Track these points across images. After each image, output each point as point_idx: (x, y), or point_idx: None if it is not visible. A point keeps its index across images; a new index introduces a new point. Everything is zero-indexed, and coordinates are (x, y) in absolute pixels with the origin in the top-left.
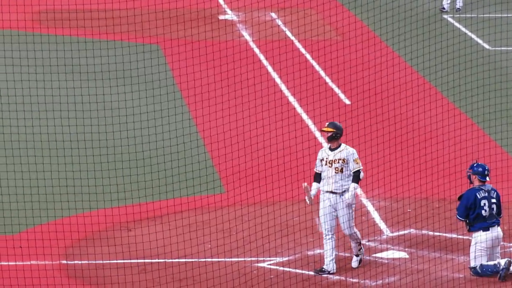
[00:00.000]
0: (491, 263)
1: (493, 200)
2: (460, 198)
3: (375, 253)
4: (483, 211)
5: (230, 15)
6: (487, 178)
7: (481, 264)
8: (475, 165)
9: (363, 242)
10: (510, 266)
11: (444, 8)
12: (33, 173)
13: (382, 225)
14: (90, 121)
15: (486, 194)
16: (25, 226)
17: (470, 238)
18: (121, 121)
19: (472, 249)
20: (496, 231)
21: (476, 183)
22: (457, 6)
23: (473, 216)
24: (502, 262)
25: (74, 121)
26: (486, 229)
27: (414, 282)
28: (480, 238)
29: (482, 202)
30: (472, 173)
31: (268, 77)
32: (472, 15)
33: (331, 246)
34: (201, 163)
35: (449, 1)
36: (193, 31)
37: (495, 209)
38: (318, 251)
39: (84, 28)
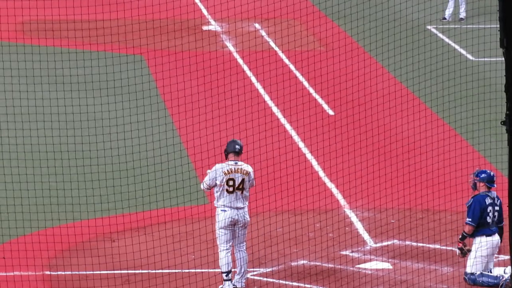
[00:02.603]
0: (492, 274)
1: (497, 208)
2: (468, 204)
3: (359, 264)
4: (488, 218)
5: (214, 26)
6: (494, 185)
7: (481, 273)
8: (479, 172)
9: (346, 253)
10: None
11: (445, 18)
12: (16, 184)
13: (365, 235)
14: (73, 131)
15: (492, 201)
16: (8, 236)
17: (454, 249)
18: (104, 132)
19: (473, 254)
20: (497, 239)
21: (482, 189)
22: (461, 16)
23: (480, 222)
24: (502, 272)
25: (57, 132)
26: (488, 235)
27: None
28: (486, 244)
29: (489, 208)
30: (478, 180)
31: (251, 87)
32: (456, 26)
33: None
34: (184, 174)
35: (451, 11)
36: (177, 42)
37: (497, 216)
38: (301, 262)
39: (67, 39)
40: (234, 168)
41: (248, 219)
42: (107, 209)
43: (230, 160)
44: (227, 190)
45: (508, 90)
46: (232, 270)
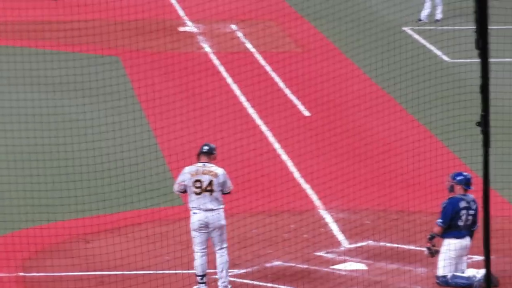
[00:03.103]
0: (465, 275)
1: (471, 212)
2: (443, 206)
3: (333, 265)
4: (459, 221)
5: (190, 27)
6: (472, 187)
7: (453, 274)
8: (456, 174)
9: (321, 254)
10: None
11: (421, 19)
12: None
13: (340, 236)
14: (49, 132)
15: (467, 205)
16: None
17: (426, 247)
18: (80, 132)
19: (441, 256)
20: (466, 241)
21: (459, 192)
22: (437, 18)
23: (450, 224)
24: (475, 273)
25: (33, 132)
26: (457, 237)
27: None
28: (454, 246)
29: (462, 212)
30: (455, 183)
31: (227, 89)
32: (432, 27)
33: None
34: (160, 175)
35: (427, 13)
36: (153, 43)
37: (470, 220)
38: (276, 262)
39: (43, 40)
40: (202, 170)
41: (222, 222)
42: (82, 210)
43: (199, 162)
44: (194, 192)
45: (483, 91)
46: (208, 273)
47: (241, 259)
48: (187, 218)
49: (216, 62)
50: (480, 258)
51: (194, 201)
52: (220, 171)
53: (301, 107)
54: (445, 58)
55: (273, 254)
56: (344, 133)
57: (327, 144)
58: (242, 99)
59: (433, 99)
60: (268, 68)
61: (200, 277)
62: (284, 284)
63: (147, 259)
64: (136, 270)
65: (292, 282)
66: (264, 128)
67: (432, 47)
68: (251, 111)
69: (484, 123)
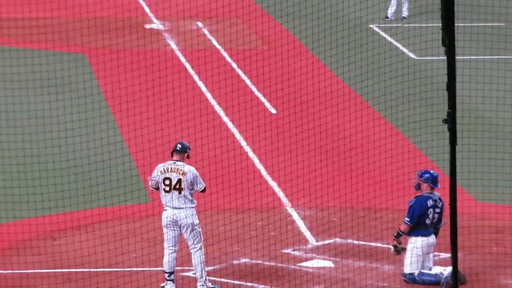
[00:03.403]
0: (432, 272)
1: (437, 210)
2: (410, 204)
3: (300, 262)
4: (427, 220)
5: (156, 24)
6: (438, 185)
7: (420, 271)
8: (423, 172)
9: (288, 251)
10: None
11: (388, 17)
12: None
13: (307, 234)
14: (14, 129)
15: (434, 203)
16: None
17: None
18: (46, 129)
19: (408, 254)
20: (432, 238)
21: (426, 190)
22: (403, 15)
23: (418, 222)
24: (443, 270)
25: None
26: (424, 235)
27: None
28: (421, 243)
29: (429, 210)
30: (422, 181)
31: (194, 86)
32: (398, 25)
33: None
34: (126, 172)
35: (393, 10)
36: (119, 40)
37: (436, 218)
38: (243, 260)
39: (9, 37)
40: (171, 168)
41: (191, 221)
42: (48, 208)
43: (171, 160)
44: (164, 189)
45: (449, 89)
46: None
47: (208, 256)
48: (154, 215)
49: (183, 59)
50: (447, 255)
51: (163, 198)
52: (189, 170)
53: (267, 105)
54: (411, 55)
55: (240, 251)
56: (311, 130)
57: (294, 141)
58: (209, 96)
59: (399, 96)
60: (234, 65)
61: (167, 274)
62: (251, 281)
63: (114, 256)
64: (103, 267)
65: (259, 279)
66: (231, 125)
67: (398, 45)
68: (217, 108)
69: (450, 121)
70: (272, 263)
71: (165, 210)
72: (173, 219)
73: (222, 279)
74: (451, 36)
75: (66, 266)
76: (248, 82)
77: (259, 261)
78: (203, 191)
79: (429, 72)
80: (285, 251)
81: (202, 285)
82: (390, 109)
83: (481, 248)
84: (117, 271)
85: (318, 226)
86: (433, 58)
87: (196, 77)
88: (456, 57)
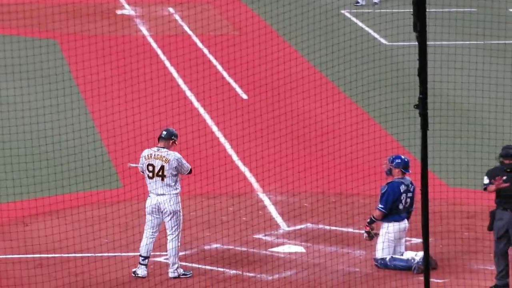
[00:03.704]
0: (403, 257)
1: (409, 195)
2: (383, 191)
3: (272, 248)
4: (400, 205)
5: (127, 10)
6: (409, 170)
7: (392, 257)
8: (394, 157)
9: (259, 236)
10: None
11: (359, 2)
12: None
13: (278, 219)
14: None
15: (406, 188)
16: None
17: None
18: (17, 115)
19: (380, 239)
20: (405, 223)
21: (397, 175)
22: (374, 0)
23: (391, 208)
24: (415, 255)
25: None
26: (397, 221)
27: (310, 276)
28: (392, 229)
29: (402, 196)
30: (394, 166)
31: (165, 71)
32: (369, 10)
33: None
34: (97, 158)
35: None
36: (90, 26)
37: (408, 202)
38: (214, 245)
39: None
40: (155, 154)
41: (173, 208)
42: (20, 193)
43: (157, 146)
44: (148, 176)
45: (421, 74)
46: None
47: (180, 241)
48: (126, 201)
49: (154, 45)
50: (418, 240)
51: (148, 184)
52: (172, 156)
53: (238, 90)
54: (383, 41)
55: (212, 236)
56: (282, 116)
57: (265, 126)
58: (180, 81)
59: (371, 82)
60: (205, 51)
61: (142, 258)
62: (222, 267)
63: (85, 242)
64: (75, 252)
65: (231, 264)
66: (202, 110)
67: (370, 30)
68: (189, 94)
69: (422, 106)
70: (244, 249)
71: (149, 197)
72: (156, 206)
73: (194, 265)
74: (423, 21)
75: (38, 252)
76: (219, 67)
77: (231, 247)
78: (190, 172)
79: (400, 57)
80: (257, 236)
81: (174, 271)
82: (361, 95)
83: (453, 233)
84: (88, 256)
85: (290, 211)
86: (405, 43)
87: (167, 63)
88: (428, 43)
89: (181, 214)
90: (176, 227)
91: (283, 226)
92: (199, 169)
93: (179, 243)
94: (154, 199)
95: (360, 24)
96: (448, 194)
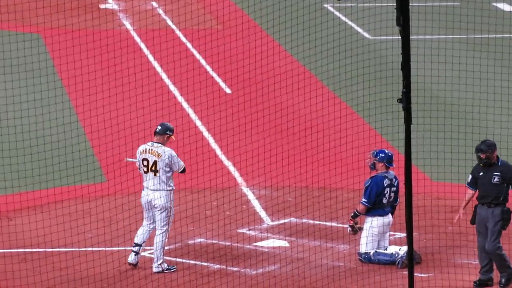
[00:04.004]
0: (387, 252)
1: (393, 189)
2: (366, 185)
3: (256, 242)
4: (384, 199)
5: (111, 4)
6: (393, 164)
7: (376, 251)
8: (378, 152)
9: (243, 231)
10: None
11: None
12: None
13: (262, 213)
14: None
15: (390, 182)
16: None
17: (348, 224)
18: (1, 109)
19: (364, 233)
20: (389, 218)
21: (381, 170)
22: None
23: (375, 202)
24: (398, 250)
25: None
26: (381, 215)
27: (294, 271)
28: (376, 223)
29: (386, 190)
30: (377, 161)
31: (149, 66)
32: (352, 4)
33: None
34: (81, 152)
35: None
36: (74, 20)
37: (393, 197)
38: (198, 240)
39: None
40: (149, 149)
41: (163, 203)
42: (4, 188)
43: (151, 141)
44: (143, 171)
45: (404, 68)
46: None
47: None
48: (110, 195)
49: (137, 39)
50: (402, 234)
51: (143, 178)
52: (163, 152)
53: (222, 84)
54: (366, 35)
55: (196, 231)
56: (266, 110)
57: (248, 121)
58: (164, 76)
59: (354, 76)
60: (189, 45)
61: (134, 245)
62: (206, 261)
63: (69, 236)
64: (59, 247)
65: (215, 259)
66: (185, 105)
67: (353, 24)
68: (172, 88)
69: (405, 100)
70: (227, 243)
71: (143, 190)
72: (147, 200)
73: (178, 259)
74: (406, 15)
75: (22, 246)
76: (202, 62)
77: (214, 241)
78: (183, 171)
79: (383, 51)
80: (240, 230)
81: (157, 266)
82: (345, 89)
83: (437, 228)
84: (73, 251)
85: (273, 205)
86: (388, 37)
87: (151, 57)
88: (411, 37)
89: (172, 211)
90: (165, 222)
91: (267, 221)
92: (183, 163)
93: (165, 239)
94: (145, 192)
95: (343, 18)
96: (432, 188)
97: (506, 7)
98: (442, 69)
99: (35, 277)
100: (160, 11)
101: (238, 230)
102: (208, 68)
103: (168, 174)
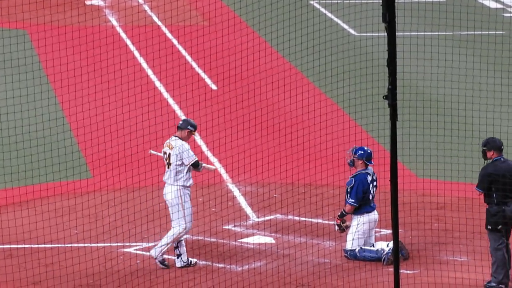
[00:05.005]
0: (373, 248)
1: (375, 184)
2: (351, 185)
3: (241, 238)
4: (370, 195)
5: (96, 1)
6: (373, 162)
7: (360, 248)
8: (357, 149)
9: (229, 227)
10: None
11: None
12: None
13: (248, 210)
14: None
15: (371, 178)
16: None
17: (336, 223)
18: None
19: (352, 230)
20: (375, 214)
21: (360, 167)
22: None
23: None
24: (384, 246)
25: None
26: (368, 212)
27: (280, 267)
28: (363, 220)
29: (370, 186)
30: (357, 158)
31: (135, 62)
32: (338, 1)
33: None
34: (67, 148)
35: None
36: (60, 16)
37: (374, 192)
38: (184, 236)
39: None
40: (169, 143)
41: (169, 198)
42: None
43: (173, 135)
44: (164, 163)
45: (390, 65)
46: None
47: (149, 232)
48: (95, 191)
49: (123, 35)
50: (388, 231)
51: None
52: (175, 145)
53: (208, 81)
54: (352, 31)
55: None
56: (252, 106)
57: (234, 117)
58: (150, 72)
59: (340, 72)
60: (175, 41)
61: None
62: (192, 257)
63: (55, 232)
64: (44, 243)
65: (200, 255)
66: (171, 101)
67: (339, 21)
68: (158, 84)
69: (391, 97)
70: (213, 239)
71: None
72: (164, 193)
73: (163, 256)
74: (392, 12)
75: (8, 242)
76: (188, 58)
77: (200, 237)
78: (196, 166)
79: (369, 48)
80: (226, 227)
81: (154, 253)
82: (330, 85)
83: (422, 225)
84: (58, 247)
85: (259, 202)
86: (374, 34)
87: (137, 53)
88: (397, 33)
89: (178, 207)
90: (176, 220)
91: (253, 217)
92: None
93: (177, 236)
94: (165, 186)
95: (329, 14)
96: (418, 185)
97: (491, 4)
98: (428, 65)
99: (21, 273)
100: (146, 7)
101: (223, 227)
102: (194, 65)
103: (179, 169)
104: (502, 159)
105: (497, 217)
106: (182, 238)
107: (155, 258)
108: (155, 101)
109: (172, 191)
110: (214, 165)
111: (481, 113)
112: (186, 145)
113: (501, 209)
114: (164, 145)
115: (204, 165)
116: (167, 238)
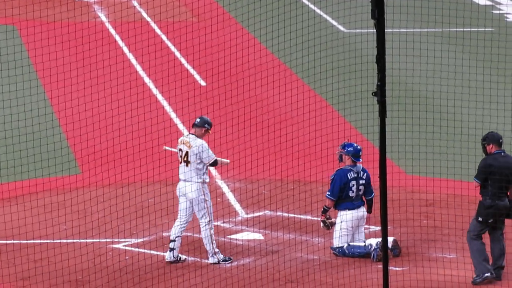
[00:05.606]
0: (361, 244)
1: (362, 182)
2: (331, 179)
3: (230, 235)
4: (350, 192)
5: None
6: (360, 159)
7: (348, 244)
8: (347, 145)
9: (218, 223)
10: (396, 245)
11: None
12: None
13: (237, 206)
14: None
15: (356, 175)
16: None
17: (320, 220)
18: None
19: (337, 227)
20: (361, 211)
21: (348, 163)
22: None
23: (341, 196)
24: (373, 242)
25: None
26: (351, 209)
27: (269, 264)
28: (346, 217)
29: (352, 183)
30: (345, 153)
31: (124, 58)
32: None
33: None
34: (56, 144)
35: None
36: (49, 11)
37: (362, 190)
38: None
39: None
40: (184, 140)
41: (196, 195)
42: None
43: (190, 133)
44: (179, 160)
45: (379, 61)
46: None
47: (138, 228)
48: (84, 187)
49: (112, 31)
50: (377, 228)
51: (179, 170)
52: (195, 144)
53: (197, 77)
54: (341, 28)
55: (170, 223)
56: (241, 102)
57: (223, 113)
58: (138, 68)
59: (329, 69)
60: (164, 37)
61: (169, 241)
62: (180, 254)
63: (44, 228)
64: (33, 239)
65: (189, 251)
66: (160, 97)
67: (328, 17)
68: (147, 80)
69: (380, 93)
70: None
71: (179, 181)
72: (181, 191)
73: (152, 251)
74: (381, 9)
75: None
76: (177, 54)
77: (189, 234)
78: (214, 164)
79: (358, 44)
80: (215, 223)
81: (212, 256)
82: (319, 82)
83: (411, 221)
84: (47, 242)
85: (248, 198)
86: (363, 30)
87: (125, 49)
88: (386, 30)
89: (207, 203)
90: (202, 215)
91: (241, 213)
92: (157, 155)
93: (211, 230)
94: (181, 184)
95: (318, 11)
96: (407, 182)
97: (480, 0)
98: (417, 62)
99: (10, 269)
100: (135, 3)
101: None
102: (183, 60)
103: (199, 166)
104: (502, 153)
105: (490, 210)
106: (181, 235)
107: (218, 262)
108: (144, 97)
109: (194, 189)
110: (227, 159)
111: (470, 110)
112: (205, 145)
113: (494, 203)
114: (179, 141)
115: (219, 159)
116: (210, 242)
